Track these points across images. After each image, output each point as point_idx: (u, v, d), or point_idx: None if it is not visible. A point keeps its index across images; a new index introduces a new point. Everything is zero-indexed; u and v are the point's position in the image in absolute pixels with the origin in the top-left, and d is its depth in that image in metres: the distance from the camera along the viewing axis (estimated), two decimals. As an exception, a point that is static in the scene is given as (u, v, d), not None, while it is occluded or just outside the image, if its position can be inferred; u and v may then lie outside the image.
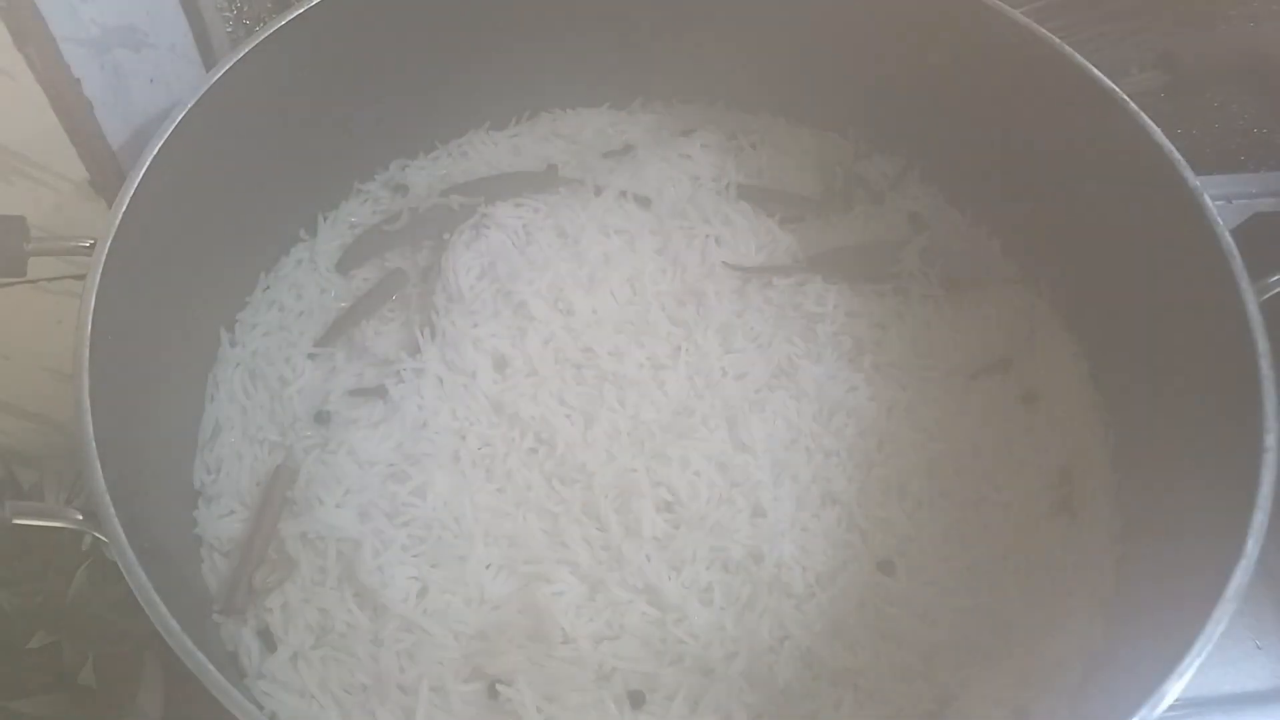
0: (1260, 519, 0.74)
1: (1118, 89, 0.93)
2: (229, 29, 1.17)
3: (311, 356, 1.01)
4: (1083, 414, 1.00)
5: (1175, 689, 0.69)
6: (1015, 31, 0.97)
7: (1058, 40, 0.95)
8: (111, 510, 0.71)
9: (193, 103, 0.87)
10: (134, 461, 0.80)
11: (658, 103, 1.21)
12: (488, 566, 0.89)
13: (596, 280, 1.04)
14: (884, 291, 1.07)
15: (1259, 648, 1.06)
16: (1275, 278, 0.85)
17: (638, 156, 1.14)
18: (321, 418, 0.96)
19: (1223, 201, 1.33)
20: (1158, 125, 0.91)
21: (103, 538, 0.71)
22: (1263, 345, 0.81)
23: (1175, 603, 0.78)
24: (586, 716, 0.83)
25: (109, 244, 0.79)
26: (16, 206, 0.84)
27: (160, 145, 0.84)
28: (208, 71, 0.91)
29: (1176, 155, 0.89)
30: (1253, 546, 0.73)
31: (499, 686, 0.83)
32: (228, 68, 0.90)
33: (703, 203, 1.11)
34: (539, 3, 1.07)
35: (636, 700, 0.83)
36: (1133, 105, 0.92)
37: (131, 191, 0.82)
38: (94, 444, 0.73)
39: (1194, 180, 0.88)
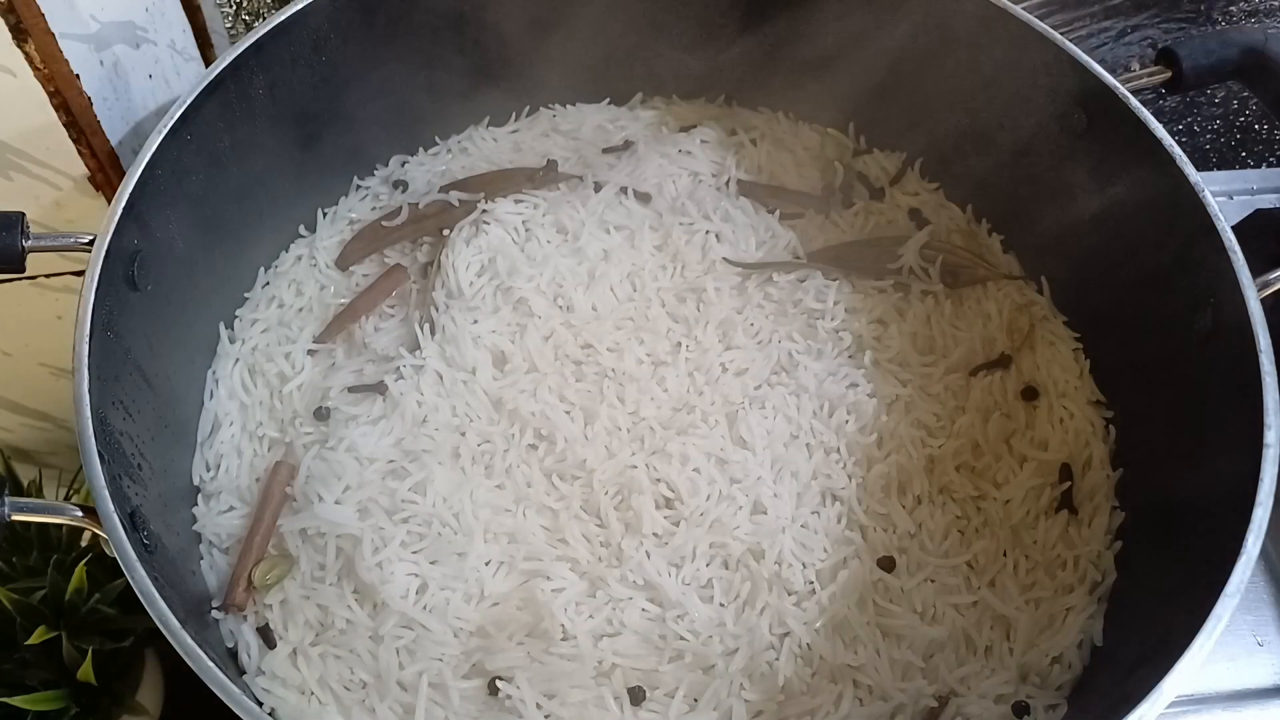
0: (1261, 516, 0.74)
1: (1119, 85, 0.93)
2: (228, 25, 1.17)
3: (311, 353, 1.01)
4: (1083, 410, 1.00)
5: (1176, 685, 0.69)
6: (1016, 27, 0.97)
7: (1059, 36, 0.95)
8: (111, 506, 0.71)
9: (192, 98, 0.87)
10: (133, 458, 0.80)
11: (657, 99, 1.21)
12: (487, 563, 0.89)
13: (596, 276, 1.04)
14: (884, 288, 1.07)
15: (1260, 644, 1.06)
16: (1276, 274, 0.85)
17: (638, 152, 1.14)
18: (321, 414, 0.96)
19: (1224, 197, 1.34)
20: (1159, 121, 0.91)
21: (102, 534, 0.71)
22: (1264, 341, 0.81)
23: (1175, 599, 0.78)
24: (587, 713, 0.83)
25: (108, 240, 0.79)
26: (16, 202, 0.83)
27: (159, 141, 0.84)
28: (207, 67, 0.91)
29: (1177, 151, 0.89)
30: (1253, 543, 0.73)
31: (499, 683, 0.83)
32: (227, 63, 0.90)
33: (703, 199, 1.11)
34: (539, -1, 1.07)
35: (636, 697, 0.83)
36: (1134, 101, 0.92)
37: (130, 187, 0.82)
38: (93, 440, 0.73)
39: (1195, 176, 0.88)
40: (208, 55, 1.09)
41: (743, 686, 0.84)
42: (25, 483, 0.96)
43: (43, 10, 0.77)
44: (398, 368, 0.97)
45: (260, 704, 0.80)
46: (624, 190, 1.10)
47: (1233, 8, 1.67)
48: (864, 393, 0.98)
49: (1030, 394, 1.01)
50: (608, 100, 1.20)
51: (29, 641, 0.84)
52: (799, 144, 1.18)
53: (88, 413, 0.73)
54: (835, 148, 1.17)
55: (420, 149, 1.16)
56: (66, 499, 0.98)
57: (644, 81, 1.19)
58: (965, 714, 0.85)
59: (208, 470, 0.94)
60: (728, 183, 1.12)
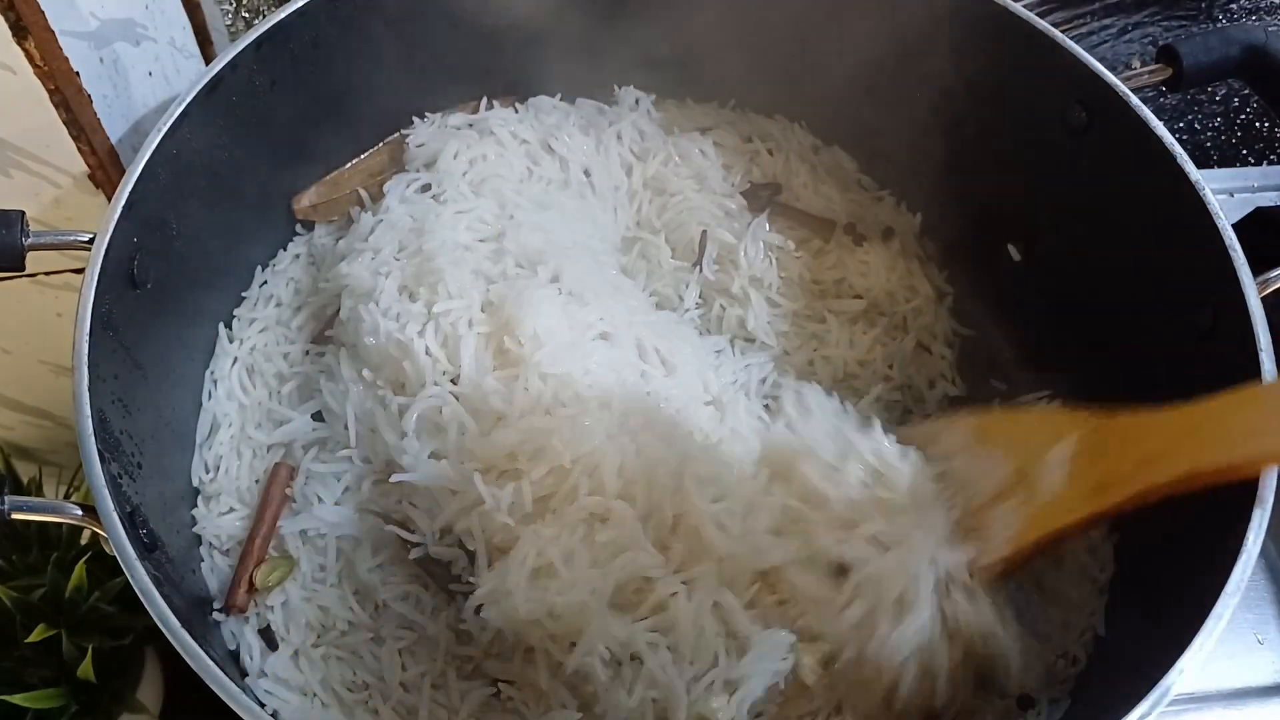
0: (1260, 514, 0.74)
1: (1120, 82, 0.92)
2: (228, 22, 1.17)
3: (309, 352, 1.01)
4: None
5: (1177, 683, 0.69)
6: (1017, 25, 0.97)
7: (1060, 34, 0.95)
8: (110, 505, 0.71)
9: (191, 96, 0.87)
10: (133, 456, 0.80)
11: (670, 101, 1.20)
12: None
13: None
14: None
15: (1260, 642, 1.06)
16: (1276, 272, 0.85)
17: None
18: (320, 415, 0.95)
19: (1224, 195, 1.34)
20: (1159, 119, 0.90)
21: (102, 532, 0.71)
22: (1264, 340, 0.81)
23: (1177, 597, 0.78)
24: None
25: (108, 238, 0.79)
26: (15, 200, 0.83)
27: (159, 139, 0.84)
28: (207, 65, 0.91)
29: (1178, 149, 0.89)
30: (1253, 542, 0.73)
31: (500, 685, 0.83)
32: (227, 61, 0.90)
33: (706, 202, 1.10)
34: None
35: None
36: (1135, 99, 0.92)
37: (130, 185, 0.81)
38: (93, 439, 0.72)
39: (1196, 174, 0.88)
40: (208, 53, 1.09)
41: (744, 685, 0.84)
42: (25, 480, 0.96)
43: (42, 8, 0.77)
44: (397, 366, 0.97)
45: (263, 705, 0.80)
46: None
47: (1234, 5, 1.67)
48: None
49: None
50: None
51: (29, 639, 0.84)
52: (820, 161, 1.17)
53: (87, 410, 0.73)
54: (848, 171, 1.16)
55: (420, 146, 1.16)
56: (66, 497, 0.98)
57: (653, 82, 1.18)
58: (967, 710, 0.85)
59: (207, 471, 0.94)
60: (733, 186, 1.11)
